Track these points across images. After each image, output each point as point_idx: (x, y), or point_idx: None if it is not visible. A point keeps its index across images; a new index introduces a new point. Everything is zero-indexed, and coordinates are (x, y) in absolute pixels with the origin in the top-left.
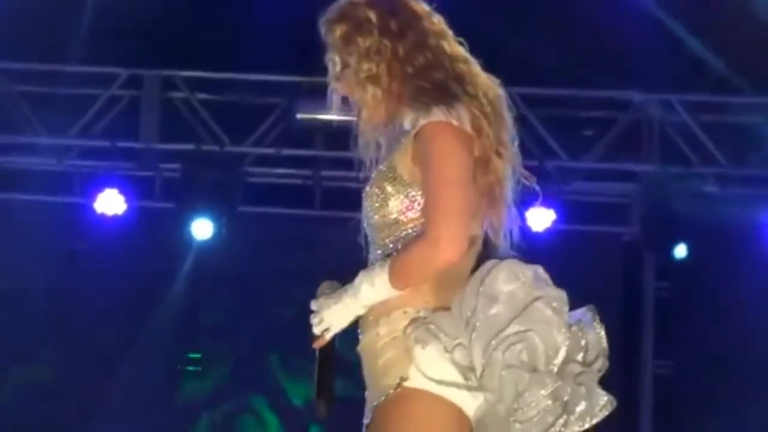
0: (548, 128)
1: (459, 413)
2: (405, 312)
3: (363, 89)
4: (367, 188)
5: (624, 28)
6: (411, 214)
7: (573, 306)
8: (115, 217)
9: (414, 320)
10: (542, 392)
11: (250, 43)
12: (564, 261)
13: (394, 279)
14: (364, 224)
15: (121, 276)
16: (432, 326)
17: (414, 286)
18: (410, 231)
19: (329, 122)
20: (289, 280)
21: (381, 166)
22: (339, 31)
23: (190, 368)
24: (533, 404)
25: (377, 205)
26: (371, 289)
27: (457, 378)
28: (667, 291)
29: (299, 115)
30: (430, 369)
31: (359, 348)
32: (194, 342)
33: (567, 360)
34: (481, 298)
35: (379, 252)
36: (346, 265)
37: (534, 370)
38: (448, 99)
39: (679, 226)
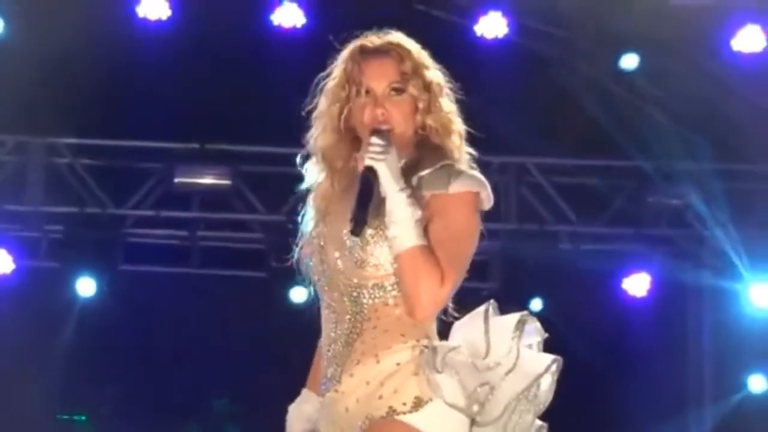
0: None
1: None
2: (405, 343)
3: (407, 116)
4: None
5: (478, 96)
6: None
7: None
8: (3, 276)
9: (425, 348)
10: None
11: (130, 112)
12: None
13: (407, 255)
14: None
15: (10, 329)
16: (447, 355)
17: (407, 285)
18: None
19: (204, 186)
20: (168, 332)
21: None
22: (410, 61)
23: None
24: None
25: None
26: (401, 213)
27: (464, 406)
28: None
29: (176, 179)
30: (446, 392)
31: (339, 391)
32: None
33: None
34: (492, 346)
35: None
36: (220, 319)
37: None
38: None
39: (534, 281)
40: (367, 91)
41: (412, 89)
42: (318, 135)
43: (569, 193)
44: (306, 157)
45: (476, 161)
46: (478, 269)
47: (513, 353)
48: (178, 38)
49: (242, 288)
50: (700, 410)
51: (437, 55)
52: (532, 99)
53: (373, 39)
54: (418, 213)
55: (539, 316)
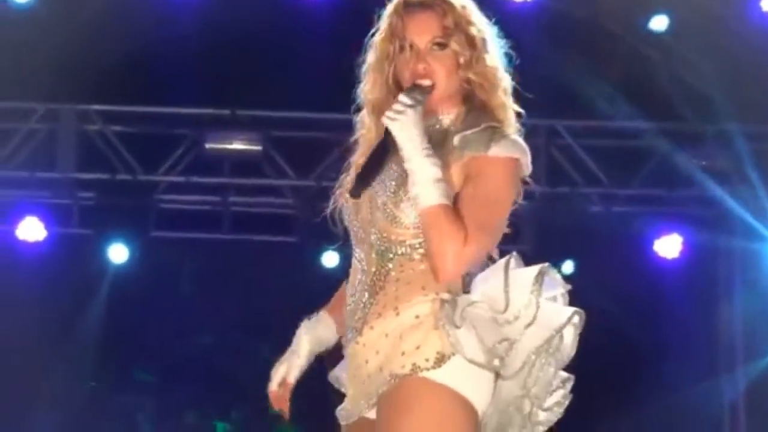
0: None
1: (474, 413)
2: (426, 296)
3: (449, 72)
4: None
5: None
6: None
7: None
8: (36, 243)
9: (444, 302)
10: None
11: (160, 78)
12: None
13: (429, 213)
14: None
15: (43, 296)
16: (465, 309)
17: (431, 244)
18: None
19: (235, 151)
20: (200, 299)
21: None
22: (453, 16)
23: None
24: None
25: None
26: (422, 172)
27: (483, 361)
28: None
29: (207, 145)
30: (465, 348)
31: (360, 343)
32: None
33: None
34: (511, 298)
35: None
36: (251, 284)
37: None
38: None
39: (565, 243)
40: (411, 46)
41: (455, 44)
42: (368, 88)
43: (600, 155)
44: (358, 109)
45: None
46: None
47: (532, 306)
48: (209, 3)
49: (273, 253)
50: (732, 372)
51: None
52: (561, 61)
53: None
54: (439, 172)
55: (570, 278)
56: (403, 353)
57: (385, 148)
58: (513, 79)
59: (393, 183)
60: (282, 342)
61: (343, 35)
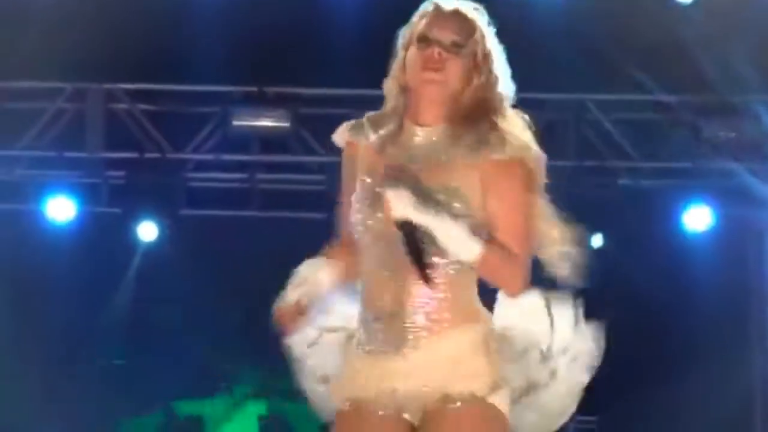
0: None
1: None
2: (484, 323)
3: (461, 72)
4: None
5: (538, 34)
6: None
7: None
8: (65, 223)
9: (492, 332)
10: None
11: (187, 56)
12: None
13: (479, 264)
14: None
15: (73, 275)
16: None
17: (493, 280)
18: None
19: (263, 129)
20: (229, 275)
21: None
22: (475, 27)
23: None
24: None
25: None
26: (455, 238)
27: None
28: (585, 279)
29: (235, 123)
30: (504, 403)
31: (416, 348)
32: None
33: None
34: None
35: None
36: (280, 261)
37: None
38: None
39: (594, 217)
40: (431, 42)
41: (471, 52)
42: (388, 80)
43: (628, 129)
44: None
45: (528, 105)
46: None
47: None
48: None
49: (303, 230)
50: (762, 342)
51: None
52: (589, 36)
53: (450, 1)
54: (463, 225)
55: (600, 252)
56: (458, 376)
57: (413, 238)
58: (539, 55)
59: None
60: None
61: (371, 11)
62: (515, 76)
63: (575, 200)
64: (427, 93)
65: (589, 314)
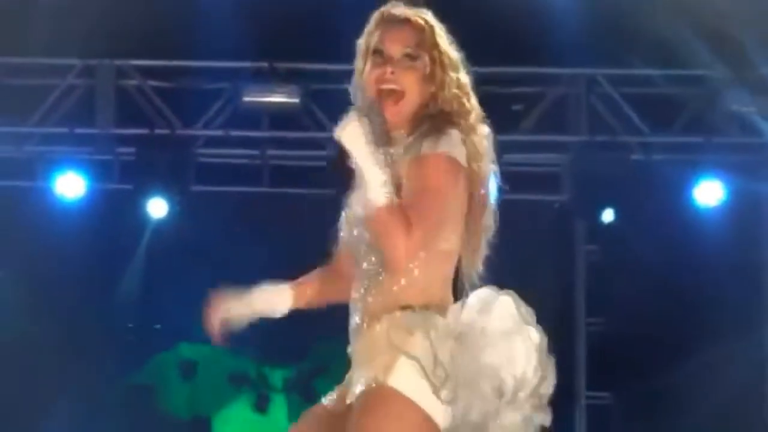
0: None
1: (429, 419)
2: (404, 309)
3: (417, 83)
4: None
5: (548, 8)
6: None
7: (513, 268)
8: (75, 199)
9: (413, 317)
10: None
11: (197, 32)
12: (501, 227)
13: (377, 215)
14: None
15: (83, 252)
16: (429, 336)
17: (382, 242)
18: None
19: (273, 104)
20: (240, 252)
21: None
22: (427, 34)
23: None
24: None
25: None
26: (370, 180)
27: (429, 394)
28: (597, 254)
29: (246, 99)
30: (406, 383)
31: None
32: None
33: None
34: (478, 331)
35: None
36: (291, 237)
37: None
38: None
39: (606, 192)
40: (384, 55)
41: (426, 59)
42: (353, 87)
43: (639, 104)
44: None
45: (539, 80)
46: (549, 182)
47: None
48: None
49: (313, 206)
50: None
51: None
52: (600, 10)
53: (399, 8)
54: (384, 175)
55: (612, 226)
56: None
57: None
58: (550, 30)
59: None
60: None
61: None
62: (526, 52)
63: (587, 175)
64: (385, 107)
65: (600, 288)
